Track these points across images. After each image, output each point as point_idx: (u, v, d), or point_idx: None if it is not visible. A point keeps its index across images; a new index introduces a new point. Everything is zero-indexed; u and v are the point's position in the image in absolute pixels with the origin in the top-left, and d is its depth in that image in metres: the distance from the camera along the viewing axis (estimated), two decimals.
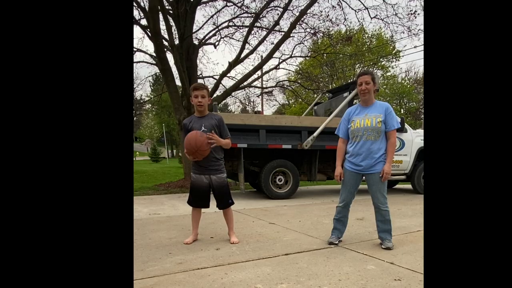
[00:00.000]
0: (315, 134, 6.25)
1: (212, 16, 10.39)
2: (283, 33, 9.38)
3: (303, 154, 6.77)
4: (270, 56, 9.31)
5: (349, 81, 14.89)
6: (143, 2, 8.97)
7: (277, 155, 6.44)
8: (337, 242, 3.11)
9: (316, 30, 10.41)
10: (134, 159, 30.20)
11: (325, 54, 12.55)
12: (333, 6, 9.96)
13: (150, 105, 40.10)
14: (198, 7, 9.19)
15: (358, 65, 22.05)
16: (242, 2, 9.94)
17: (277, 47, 9.21)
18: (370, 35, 22.93)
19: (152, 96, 31.31)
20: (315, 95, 13.47)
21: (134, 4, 8.86)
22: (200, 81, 10.85)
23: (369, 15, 10.28)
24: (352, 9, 10.23)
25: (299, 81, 13.03)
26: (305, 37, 10.69)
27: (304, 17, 9.47)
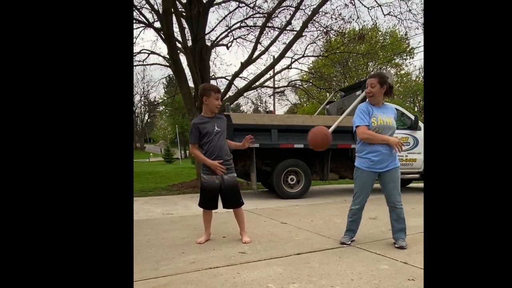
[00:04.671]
0: None
1: (224, 18, 10.42)
2: (295, 33, 9.35)
3: (315, 154, 6.73)
4: (282, 56, 9.28)
5: (361, 79, 14.74)
6: (157, 5, 9.06)
7: (289, 155, 6.43)
8: (349, 242, 3.09)
9: (329, 29, 10.32)
10: (148, 160, 30.55)
11: (338, 53, 12.41)
12: (345, 5, 9.83)
13: (163, 106, 40.54)
14: (211, 8, 9.22)
15: (371, 63, 21.81)
16: (254, 3, 9.94)
17: (289, 46, 9.18)
18: (383, 32, 22.65)
19: (165, 98, 31.64)
20: (328, 94, 13.38)
21: (148, 7, 8.96)
22: (212, 82, 10.89)
23: (382, 12, 10.14)
24: (365, 6, 10.12)
25: (311, 80, 12.96)
26: (317, 36, 10.62)
27: (316, 16, 9.40)
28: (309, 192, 6.74)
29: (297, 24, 9.54)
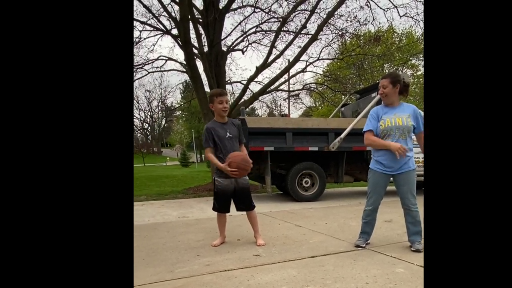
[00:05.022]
0: (342, 135, 6.16)
1: (240, 23, 10.48)
2: (310, 36, 9.32)
3: (330, 156, 6.69)
4: (297, 59, 9.26)
5: (377, 81, 14.55)
6: (174, 13, 9.20)
7: (304, 158, 6.40)
8: (364, 245, 3.05)
9: (344, 32, 10.24)
10: (165, 164, 30.93)
11: (353, 55, 12.29)
12: (361, 7, 9.73)
13: (180, 111, 41.01)
14: (227, 14, 9.29)
15: (387, 65, 21.50)
16: (269, 8, 9.96)
17: (304, 50, 9.15)
18: (399, 34, 22.31)
19: (182, 103, 32.03)
20: (343, 97, 13.26)
21: (166, 14, 9.10)
22: (228, 86, 10.96)
23: (399, 13, 10.02)
24: (381, 8, 9.98)
25: (326, 83, 12.87)
26: (332, 39, 10.55)
27: (332, 19, 9.34)
28: (324, 195, 6.69)
29: (312, 27, 9.47)
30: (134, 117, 49.65)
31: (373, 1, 9.72)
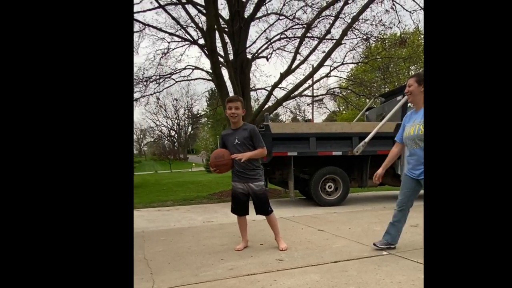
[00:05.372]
0: (366, 139, 6.05)
1: (264, 31, 10.51)
2: (334, 41, 9.23)
3: (354, 160, 6.58)
4: (321, 64, 9.18)
5: (402, 84, 14.20)
6: (201, 23, 9.38)
7: (327, 162, 6.33)
8: (382, 247, 3.00)
9: (369, 36, 10.06)
10: (190, 170, 31.38)
11: (378, 59, 12.04)
12: (386, 10, 9.53)
13: (206, 119, 41.60)
14: (252, 23, 9.36)
15: (413, 67, 20.95)
16: (293, 15, 9.95)
17: (328, 55, 9.07)
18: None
19: (207, 110, 32.49)
20: (367, 100, 13.01)
21: (193, 25, 9.28)
22: (252, 93, 11.02)
23: None
24: (407, 10, 9.75)
25: (350, 87, 12.66)
26: (357, 43, 10.38)
27: (356, 23, 9.22)
28: (348, 199, 6.57)
29: (336, 32, 9.33)
30: (162, 125, 50.80)
31: (399, 4, 9.51)
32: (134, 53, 6.65)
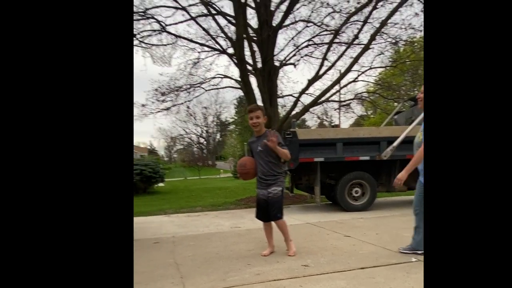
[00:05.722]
0: (395, 144, 5.89)
1: (292, 38, 10.48)
2: (362, 46, 9.08)
3: (382, 165, 6.42)
4: (348, 70, 9.04)
5: None
6: (230, 33, 9.54)
7: (354, 167, 6.22)
8: (407, 252, 2.95)
9: (398, 39, 9.80)
10: (218, 176, 31.71)
11: (407, 62, 11.68)
12: (415, 13, 9.25)
13: (233, 126, 41.98)
14: (280, 30, 9.36)
15: None
16: (321, 21, 9.89)
17: (356, 60, 8.91)
18: None
19: (235, 118, 32.82)
20: (395, 104, 12.65)
21: (222, 35, 9.47)
22: (279, 100, 11.01)
23: None
24: None
25: (378, 91, 12.36)
26: (385, 47, 10.14)
27: (385, 27, 9.03)
28: (375, 204, 6.41)
29: (364, 37, 9.10)
30: (192, 133, 51.76)
31: None
32: (167, 65, 6.84)
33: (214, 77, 10.97)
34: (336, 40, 9.58)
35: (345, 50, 9.36)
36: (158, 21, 8.83)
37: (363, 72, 10.27)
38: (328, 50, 9.15)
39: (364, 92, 12.91)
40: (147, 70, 9.40)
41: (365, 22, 9.02)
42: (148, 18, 8.76)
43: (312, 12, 9.57)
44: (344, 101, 13.05)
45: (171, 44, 9.26)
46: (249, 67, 9.06)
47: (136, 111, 10.17)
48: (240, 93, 12.70)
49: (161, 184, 15.38)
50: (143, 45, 9.01)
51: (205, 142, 55.70)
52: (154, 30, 8.99)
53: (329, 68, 9.36)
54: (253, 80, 8.97)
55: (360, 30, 9.13)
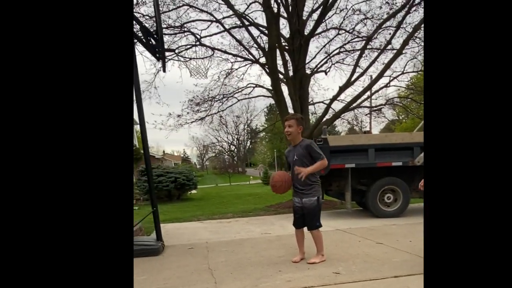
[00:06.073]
0: None
1: (324, 46, 10.43)
2: (394, 51, 8.87)
3: (415, 170, 6.20)
4: (381, 75, 8.84)
5: None
6: (263, 43, 9.68)
7: (386, 173, 6.06)
8: None
9: None
10: (248, 183, 31.86)
11: None
12: None
13: (263, 133, 42.25)
14: (311, 39, 9.35)
15: None
16: (353, 28, 9.79)
17: (388, 66, 8.70)
18: None
19: (266, 125, 33.00)
20: None
21: (255, 45, 9.62)
22: (310, 107, 10.94)
23: None
24: None
25: (410, 96, 11.96)
26: (418, 52, 9.82)
27: (418, 32, 8.79)
28: (408, 211, 6.19)
29: (396, 42, 8.85)
30: (223, 141, 52.56)
31: None
32: (202, 78, 7.02)
33: (246, 87, 11.11)
34: (368, 46, 9.41)
35: (378, 56, 9.16)
36: (193, 34, 9.09)
37: (395, 77, 9.98)
38: (360, 56, 9.00)
39: (396, 97, 12.54)
40: (182, 82, 9.63)
41: (398, 27, 8.81)
42: (184, 32, 9.05)
43: (344, 19, 9.49)
44: (376, 106, 12.74)
45: (208, 57, 9.48)
46: (281, 76, 9.11)
47: (171, 121, 10.49)
48: (270, 101, 12.73)
49: (194, 191, 15.71)
50: (181, 58, 9.26)
51: (235, 150, 56.30)
52: (192, 45, 9.15)
53: (361, 75, 9.19)
54: (284, 89, 9.02)
55: (392, 35, 8.91)
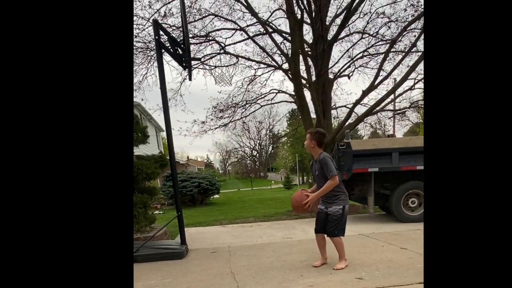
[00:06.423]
0: None
1: (347, 50, 10.30)
2: (419, 54, 8.64)
3: None
4: (405, 78, 8.62)
5: None
6: (286, 49, 9.69)
7: (410, 177, 5.89)
8: None
9: None
10: (270, 187, 31.76)
11: None
12: None
13: (285, 138, 42.11)
14: (335, 43, 9.26)
15: None
16: (377, 32, 9.65)
17: (413, 68, 8.46)
18: None
19: (288, 130, 32.89)
20: None
21: (278, 51, 9.63)
22: (333, 112, 10.80)
23: None
24: None
25: None
26: None
27: None
28: None
29: (421, 44, 8.55)
30: (246, 146, 52.78)
31: None
32: (227, 85, 7.10)
33: (269, 92, 11.12)
34: (392, 49, 9.21)
35: (402, 59, 8.92)
36: (218, 42, 9.21)
37: (420, 80, 9.70)
38: (384, 59, 8.81)
39: (421, 99, 12.17)
40: (207, 89, 9.76)
41: (423, 29, 8.58)
42: (209, 40, 9.18)
43: (368, 23, 9.34)
44: (400, 109, 12.41)
45: (232, 64, 9.56)
46: (304, 81, 9.06)
47: (196, 128, 10.65)
48: (293, 106, 12.66)
49: (216, 196, 15.81)
50: (206, 66, 9.40)
51: (257, 155, 56.37)
52: (217, 53, 9.23)
53: (385, 78, 8.98)
54: (307, 94, 8.96)
55: (418, 38, 8.68)
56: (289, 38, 8.69)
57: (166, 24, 8.24)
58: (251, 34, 9.34)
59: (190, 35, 8.45)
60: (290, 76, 8.84)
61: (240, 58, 9.59)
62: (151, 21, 7.52)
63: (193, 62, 6.45)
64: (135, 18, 8.34)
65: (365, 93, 8.72)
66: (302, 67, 8.59)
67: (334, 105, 11.08)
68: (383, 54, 9.03)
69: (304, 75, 8.89)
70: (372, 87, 8.67)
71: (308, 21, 8.75)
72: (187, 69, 4.77)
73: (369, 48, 9.86)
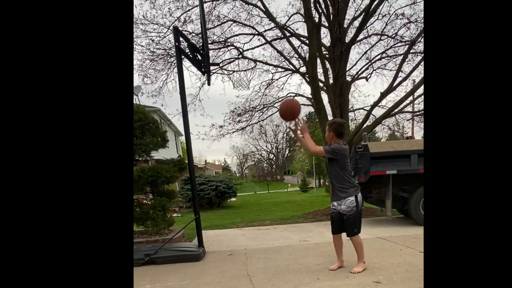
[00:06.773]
0: None
1: (365, 52, 10.16)
2: None
3: None
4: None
5: None
6: (303, 53, 9.65)
7: None
8: None
9: None
10: (286, 190, 31.60)
11: None
12: None
13: None
14: (352, 46, 9.11)
15: None
16: (396, 33, 9.49)
17: None
18: None
19: None
20: None
21: (295, 55, 9.60)
22: (351, 114, 10.66)
23: None
24: None
25: None
26: None
27: None
28: None
29: None
30: (262, 149, 52.80)
31: None
32: (245, 89, 7.13)
33: (286, 96, 11.08)
34: (411, 51, 9.02)
35: (422, 60, 8.72)
36: (236, 48, 9.27)
37: None
38: (403, 61, 8.63)
39: None
40: (225, 94, 9.81)
41: (423, 32, 8.38)
42: (228, 46, 9.25)
43: (386, 24, 9.19)
44: (419, 111, 12.11)
45: (250, 69, 9.59)
46: (321, 84, 9.00)
47: (214, 131, 10.75)
48: (310, 109, 12.57)
49: (233, 199, 15.88)
50: (225, 71, 9.47)
51: (274, 158, 56.29)
52: (235, 58, 9.25)
53: (404, 79, 8.79)
54: (324, 97, 8.88)
55: None
56: (307, 41, 8.64)
57: (185, 30, 8.36)
58: (268, 39, 9.35)
59: (209, 41, 8.55)
60: (308, 79, 8.78)
61: (257, 63, 9.63)
62: (171, 28, 7.67)
63: (212, 67, 6.52)
64: (155, 26, 8.53)
65: (384, 94, 8.55)
66: (320, 70, 8.51)
67: (352, 107, 10.92)
68: (402, 56, 8.84)
69: (322, 78, 8.81)
70: (390, 88, 8.49)
71: (326, 24, 8.69)
72: (206, 74, 4.82)
73: (387, 49, 9.67)
